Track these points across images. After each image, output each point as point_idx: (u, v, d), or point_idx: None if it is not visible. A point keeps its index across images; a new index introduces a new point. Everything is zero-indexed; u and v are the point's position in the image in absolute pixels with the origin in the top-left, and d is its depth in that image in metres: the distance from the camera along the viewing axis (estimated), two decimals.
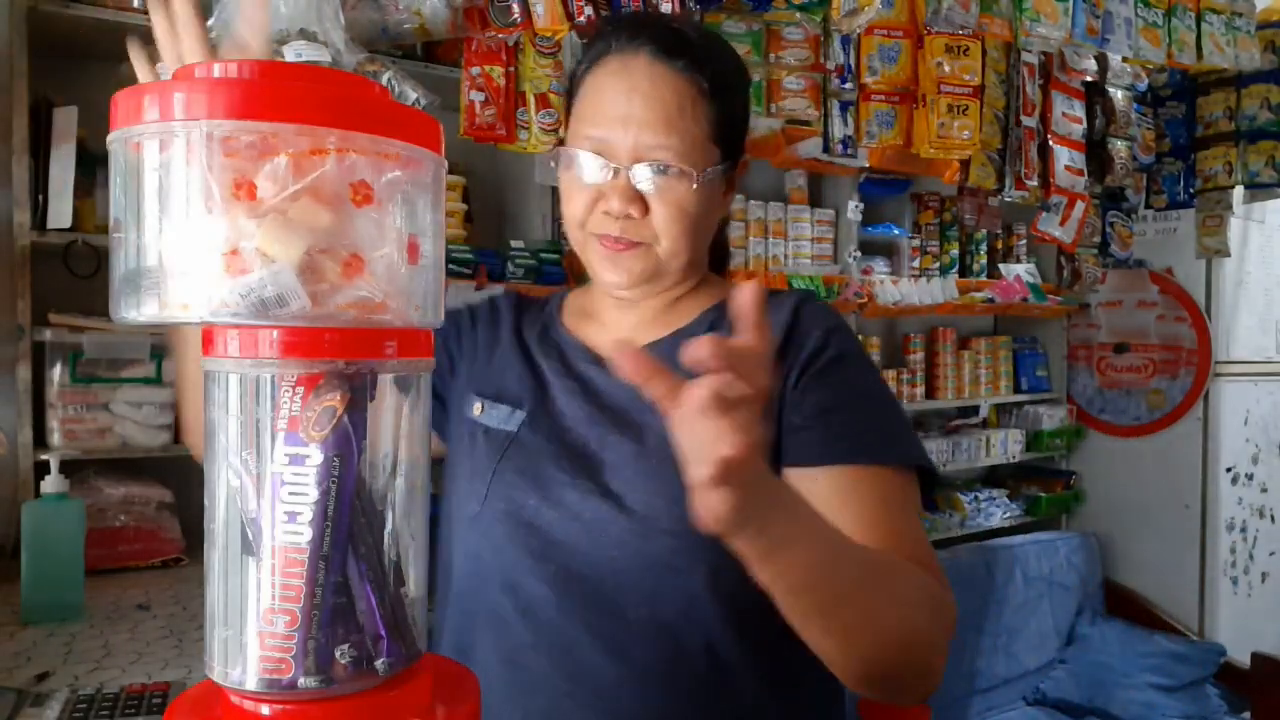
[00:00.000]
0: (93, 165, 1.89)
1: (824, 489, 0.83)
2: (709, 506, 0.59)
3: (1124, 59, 2.47)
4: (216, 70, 0.48)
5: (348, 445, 0.51)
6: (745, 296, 0.59)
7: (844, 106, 2.14)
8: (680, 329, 0.97)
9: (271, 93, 0.47)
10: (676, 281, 0.97)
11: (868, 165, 2.72)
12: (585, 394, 0.95)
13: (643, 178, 0.89)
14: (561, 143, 0.98)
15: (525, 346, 1.02)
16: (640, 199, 0.90)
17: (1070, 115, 2.49)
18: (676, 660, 0.85)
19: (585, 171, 0.91)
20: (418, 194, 0.52)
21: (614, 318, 1.01)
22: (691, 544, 0.83)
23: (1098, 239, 2.95)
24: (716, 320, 0.96)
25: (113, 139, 0.49)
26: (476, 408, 0.99)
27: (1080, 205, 2.53)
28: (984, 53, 2.17)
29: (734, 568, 0.78)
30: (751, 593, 0.80)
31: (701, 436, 0.57)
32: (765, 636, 0.86)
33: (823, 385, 0.88)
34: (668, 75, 0.89)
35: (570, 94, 0.97)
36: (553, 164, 0.97)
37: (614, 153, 0.89)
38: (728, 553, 0.70)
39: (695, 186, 0.89)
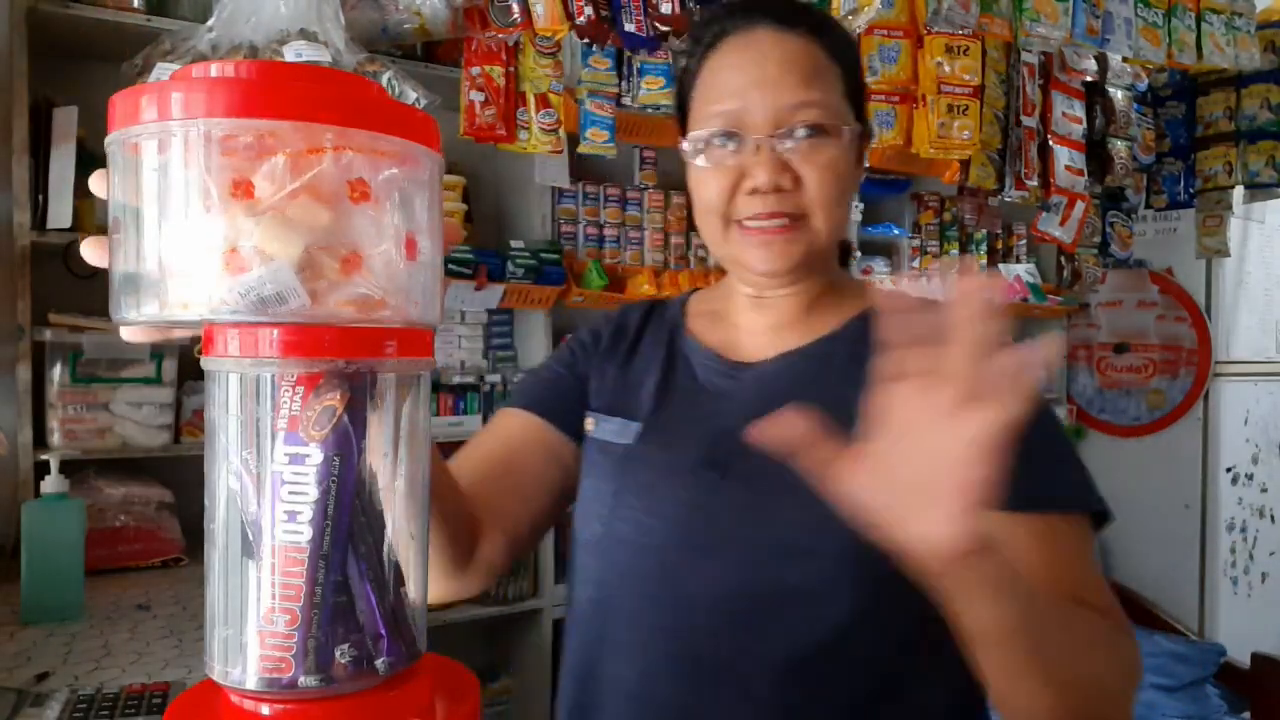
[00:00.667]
0: (92, 165, 1.88)
1: (1011, 536, 0.76)
2: (946, 533, 0.52)
3: (1124, 59, 2.47)
4: (214, 70, 0.48)
5: (348, 445, 0.51)
6: (1045, 353, 0.50)
7: None
8: (826, 336, 0.88)
9: (268, 91, 0.47)
10: (820, 268, 0.89)
11: (868, 165, 2.71)
12: (712, 405, 0.88)
13: (788, 143, 0.82)
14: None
15: (651, 357, 0.95)
16: (788, 168, 0.82)
17: (1070, 115, 2.49)
18: (814, 697, 0.78)
19: (721, 153, 0.84)
20: (415, 191, 0.52)
21: (748, 319, 0.92)
22: (837, 570, 0.77)
23: (1098, 239, 2.95)
24: (865, 332, 0.86)
25: (111, 140, 0.49)
26: (590, 423, 0.93)
27: (1080, 205, 2.52)
28: (984, 53, 2.17)
29: (887, 598, 0.73)
30: (904, 625, 0.77)
31: (947, 446, 0.50)
32: (907, 678, 0.80)
33: None
34: (793, 39, 0.84)
35: (682, 94, 0.91)
36: (684, 157, 0.89)
37: (751, 124, 0.82)
38: (879, 582, 0.66)
39: (845, 145, 0.84)
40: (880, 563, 0.65)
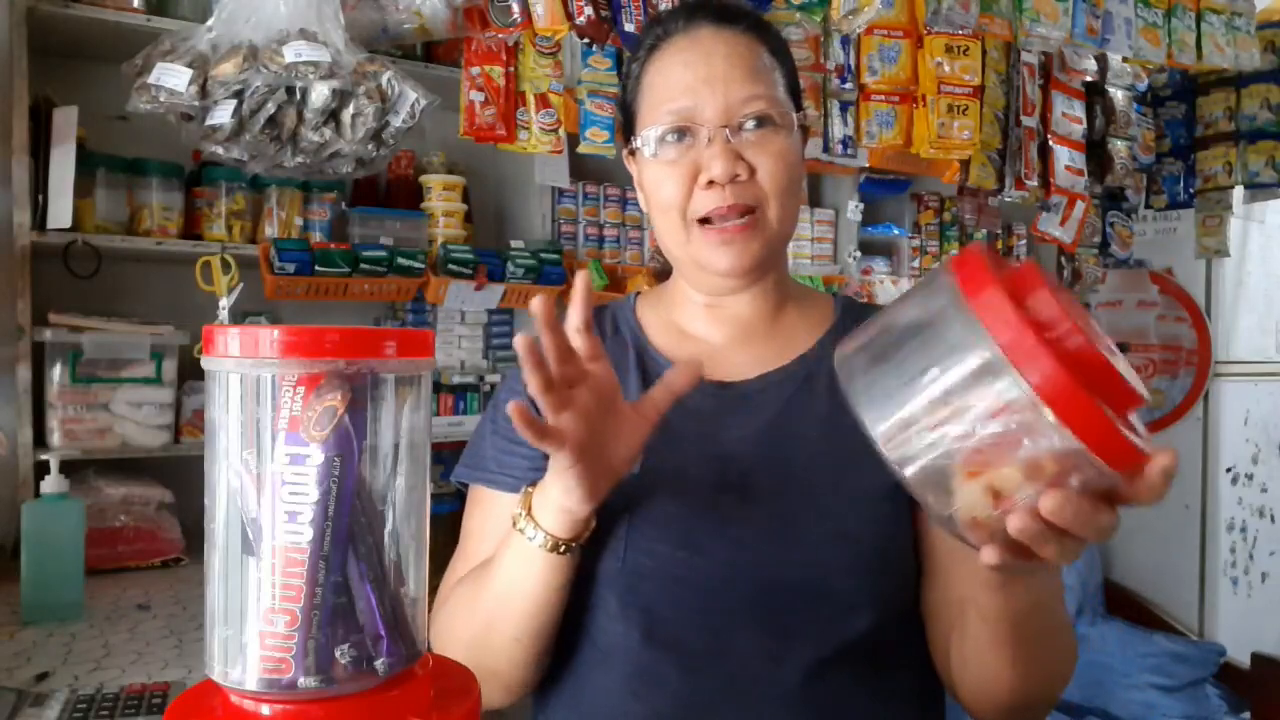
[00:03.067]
0: (93, 165, 1.89)
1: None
2: (1009, 564, 0.58)
3: (1124, 59, 2.47)
4: None
5: (348, 445, 0.51)
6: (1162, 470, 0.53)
7: (844, 106, 2.14)
8: (802, 356, 0.90)
9: None
10: (776, 268, 0.92)
11: (867, 165, 2.71)
12: (704, 428, 0.87)
13: (740, 135, 0.84)
14: (631, 150, 0.92)
15: (622, 376, 0.90)
16: (741, 159, 0.84)
17: (1070, 115, 2.49)
18: (841, 703, 0.82)
19: (675, 149, 0.85)
20: None
21: (712, 331, 0.93)
22: (859, 577, 0.81)
23: (1098, 239, 2.95)
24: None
25: None
26: None
27: (1080, 205, 2.52)
28: (984, 53, 2.16)
29: (900, 597, 0.82)
30: (908, 618, 0.84)
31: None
32: (903, 664, 0.86)
33: None
34: (736, 36, 0.87)
35: (628, 97, 0.93)
36: (630, 162, 0.91)
37: (703, 118, 0.84)
38: (894, 584, 0.73)
39: (794, 137, 0.86)
40: (893, 568, 0.76)
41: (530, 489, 0.79)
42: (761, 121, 0.85)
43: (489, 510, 0.92)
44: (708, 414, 0.88)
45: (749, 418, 0.87)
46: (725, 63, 0.85)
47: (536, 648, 0.83)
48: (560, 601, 0.81)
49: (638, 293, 1.01)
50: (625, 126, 0.94)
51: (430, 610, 0.90)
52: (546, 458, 0.78)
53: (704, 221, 0.86)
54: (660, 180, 0.87)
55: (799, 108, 0.91)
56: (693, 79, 0.85)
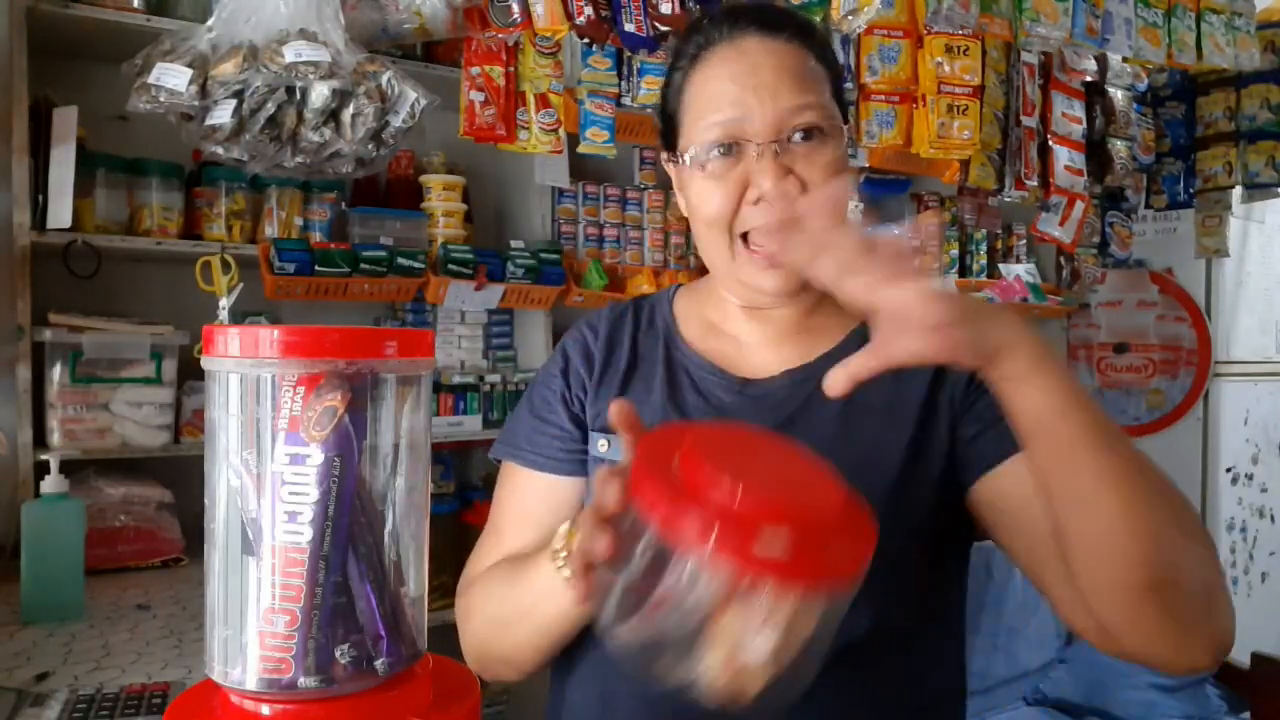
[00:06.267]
0: (93, 165, 1.89)
1: (1022, 479, 0.77)
2: (927, 311, 0.63)
3: (1124, 59, 2.47)
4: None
5: (348, 445, 0.51)
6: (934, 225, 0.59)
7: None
8: (825, 354, 0.89)
9: None
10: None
11: (867, 165, 2.71)
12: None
13: (790, 148, 0.82)
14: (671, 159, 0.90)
15: (651, 370, 0.93)
16: (791, 173, 0.82)
17: (1070, 115, 2.49)
18: (828, 709, 0.80)
19: (722, 164, 0.83)
20: None
21: (745, 330, 0.92)
22: (863, 579, 0.79)
23: (1097, 239, 2.95)
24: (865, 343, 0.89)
25: None
26: (602, 444, 0.91)
27: (1080, 205, 2.52)
28: (984, 53, 2.16)
29: (904, 602, 0.77)
30: (915, 623, 0.80)
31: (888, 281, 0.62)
32: (912, 668, 0.83)
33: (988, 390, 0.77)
34: (781, 46, 0.85)
35: (669, 107, 0.90)
36: (670, 168, 0.89)
37: (751, 131, 0.82)
38: (899, 589, 0.69)
39: (843, 146, 0.84)
40: (900, 571, 0.71)
41: (573, 529, 0.77)
42: (811, 133, 0.82)
43: (516, 486, 0.94)
44: (729, 410, 0.88)
45: (767, 416, 0.86)
46: (773, 73, 0.83)
47: (551, 652, 0.85)
48: (578, 625, 0.81)
49: (679, 285, 1.01)
50: (665, 135, 0.92)
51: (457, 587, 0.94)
52: (575, 438, 0.86)
53: (745, 236, 0.84)
54: (706, 195, 0.85)
55: (844, 114, 0.90)
56: (739, 90, 0.83)
